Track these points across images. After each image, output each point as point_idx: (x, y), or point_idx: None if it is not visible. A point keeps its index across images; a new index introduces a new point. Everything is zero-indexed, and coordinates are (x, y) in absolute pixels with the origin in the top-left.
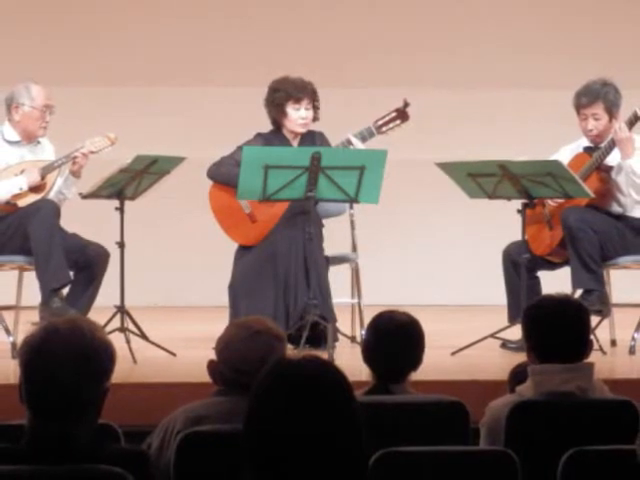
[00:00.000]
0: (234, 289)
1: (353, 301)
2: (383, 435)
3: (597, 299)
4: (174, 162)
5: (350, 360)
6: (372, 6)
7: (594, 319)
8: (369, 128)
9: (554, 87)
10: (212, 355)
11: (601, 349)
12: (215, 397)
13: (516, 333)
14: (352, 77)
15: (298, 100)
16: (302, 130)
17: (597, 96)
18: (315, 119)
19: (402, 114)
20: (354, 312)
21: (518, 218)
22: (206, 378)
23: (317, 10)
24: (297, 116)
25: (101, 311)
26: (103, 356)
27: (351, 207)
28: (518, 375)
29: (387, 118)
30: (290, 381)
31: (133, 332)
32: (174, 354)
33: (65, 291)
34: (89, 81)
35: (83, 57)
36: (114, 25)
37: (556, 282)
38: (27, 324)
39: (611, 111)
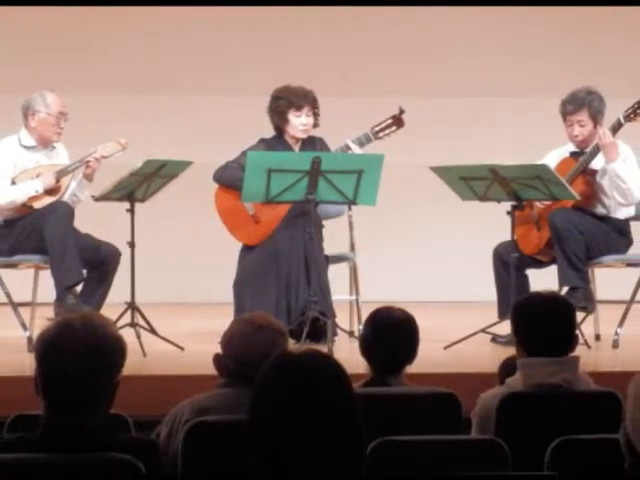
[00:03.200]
0: (238, 286)
1: (351, 298)
2: (379, 425)
3: (582, 296)
4: (182, 166)
5: (348, 354)
6: (370, 19)
7: (579, 315)
8: (366, 134)
9: (543, 95)
10: (218, 349)
11: (586, 343)
12: (220, 389)
13: (505, 328)
14: (351, 86)
15: (299, 108)
16: (303, 136)
17: (582, 104)
18: (315, 125)
19: (398, 121)
20: (352, 308)
21: (508, 219)
22: (212, 371)
23: (317, 23)
24: (298, 123)
25: (113, 307)
26: (114, 350)
27: (349, 209)
28: (507, 368)
29: (383, 124)
30: (291, 374)
31: (143, 327)
32: (182, 348)
33: (79, 288)
34: (101, 89)
35: (96, 67)
36: (125, 36)
37: (544, 280)
38: (42, 320)
39: (596, 118)
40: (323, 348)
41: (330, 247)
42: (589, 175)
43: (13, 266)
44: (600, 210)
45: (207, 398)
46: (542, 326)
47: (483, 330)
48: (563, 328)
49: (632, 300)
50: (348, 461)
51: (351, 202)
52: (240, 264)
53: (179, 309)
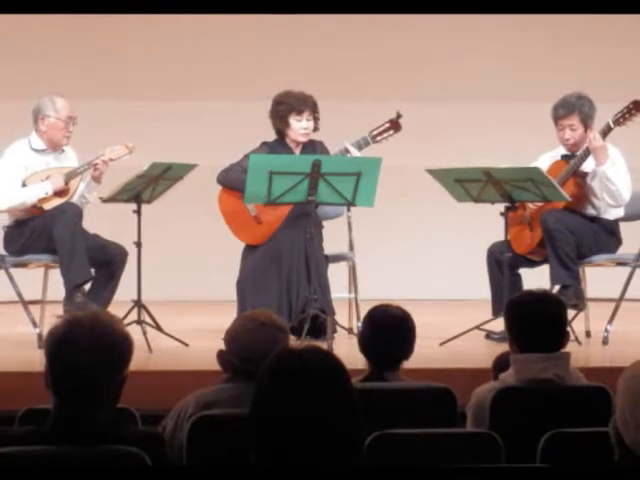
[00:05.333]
0: (241, 285)
1: (350, 296)
2: (377, 419)
3: (573, 294)
4: (187, 168)
5: (347, 350)
6: (367, 27)
7: (571, 312)
8: (365, 137)
9: (535, 100)
10: (221, 345)
11: (577, 340)
12: (224, 384)
13: (499, 325)
14: (349, 91)
15: (300, 112)
16: (304, 139)
17: (573, 108)
18: (315, 129)
19: (395, 125)
20: (351, 306)
21: (501, 220)
22: (216, 366)
23: (318, 30)
24: (299, 127)
25: (120, 305)
26: (122, 346)
27: (348, 210)
28: (501, 363)
29: (381, 128)
30: (292, 369)
31: (149, 324)
32: (186, 344)
33: (87, 287)
34: (109, 94)
35: (104, 72)
36: (132, 43)
37: (536, 278)
38: (52, 317)
39: (586, 122)
40: (323, 344)
41: (330, 247)
42: (580, 177)
43: (24, 265)
44: (590, 211)
45: (211, 393)
46: (534, 323)
47: (477, 327)
48: (555, 325)
49: (621, 298)
50: (347, 453)
51: (350, 203)
52: (243, 263)
53: (184, 307)
